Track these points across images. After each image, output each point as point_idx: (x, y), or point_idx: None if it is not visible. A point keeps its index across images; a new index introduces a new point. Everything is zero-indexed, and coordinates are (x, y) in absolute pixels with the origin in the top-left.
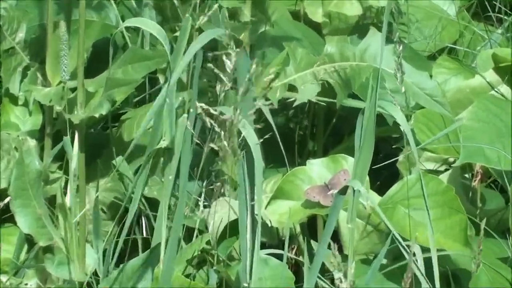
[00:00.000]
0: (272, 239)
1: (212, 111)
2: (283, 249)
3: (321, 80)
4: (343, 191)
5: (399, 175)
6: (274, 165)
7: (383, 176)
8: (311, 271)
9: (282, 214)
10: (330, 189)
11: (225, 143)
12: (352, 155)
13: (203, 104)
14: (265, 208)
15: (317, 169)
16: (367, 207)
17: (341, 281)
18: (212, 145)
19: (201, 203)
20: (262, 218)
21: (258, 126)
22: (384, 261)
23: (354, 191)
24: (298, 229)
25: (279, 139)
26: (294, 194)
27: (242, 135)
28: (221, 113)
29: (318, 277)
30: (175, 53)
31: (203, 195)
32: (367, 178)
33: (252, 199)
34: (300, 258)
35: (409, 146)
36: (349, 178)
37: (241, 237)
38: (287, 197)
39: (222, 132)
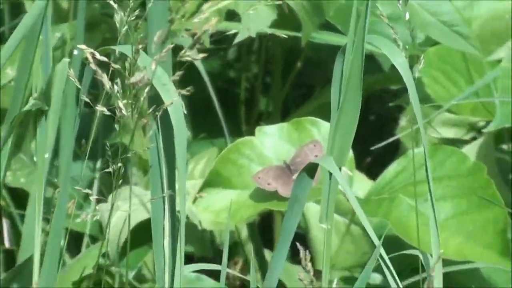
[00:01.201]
0: (203, 249)
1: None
2: (220, 263)
3: (278, 1)
4: (313, 172)
5: (400, 148)
6: (207, 135)
7: (375, 150)
8: None
9: (219, 211)
10: (293, 172)
11: (128, 101)
12: (327, 118)
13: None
14: (193, 202)
15: (272, 141)
16: (351, 198)
17: None
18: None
19: (93, 196)
20: (188, 217)
21: (178, 76)
22: (378, 280)
23: (330, 173)
24: (244, 233)
25: (213, 96)
26: (237, 180)
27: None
28: (123, 56)
29: None
30: None
31: (96, 183)
32: (351, 153)
33: (172, 188)
34: (248, 277)
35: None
36: (322, 154)
37: (156, 247)
38: (226, 185)
39: (123, 84)
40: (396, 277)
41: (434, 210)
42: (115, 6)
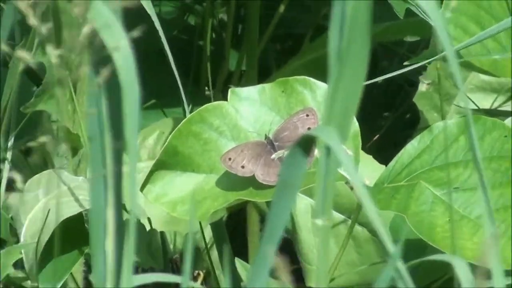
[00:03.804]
0: (152, 258)
1: None
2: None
3: None
4: (308, 148)
5: (419, 120)
6: (158, 102)
7: (387, 125)
8: None
9: (176, 202)
10: (276, 150)
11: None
12: (320, 78)
13: None
14: (140, 190)
15: (251, 108)
16: (356, 183)
17: None
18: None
19: (2, 182)
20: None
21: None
22: None
23: (326, 150)
24: (209, 234)
25: (167, 49)
26: (201, 161)
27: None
28: None
29: None
30: None
31: (6, 165)
32: (356, 126)
33: (118, 169)
34: None
35: (441, 61)
36: (316, 126)
37: (94, 250)
38: (186, 167)
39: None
40: None
41: (489, 200)
42: None
